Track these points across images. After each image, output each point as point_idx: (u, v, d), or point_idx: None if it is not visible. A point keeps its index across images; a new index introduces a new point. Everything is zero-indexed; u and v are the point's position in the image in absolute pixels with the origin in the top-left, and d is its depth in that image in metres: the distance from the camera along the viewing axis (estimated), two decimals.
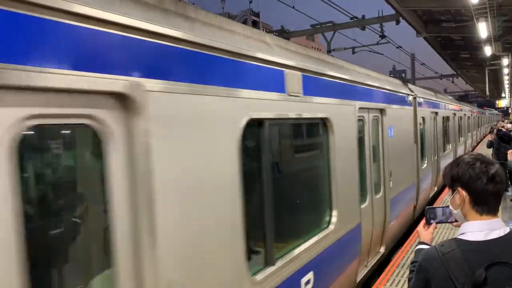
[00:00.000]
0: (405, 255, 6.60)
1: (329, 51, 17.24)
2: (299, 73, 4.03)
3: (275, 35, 20.98)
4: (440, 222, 2.29)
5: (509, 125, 12.91)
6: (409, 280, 2.07)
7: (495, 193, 1.83)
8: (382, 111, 6.77)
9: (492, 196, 1.83)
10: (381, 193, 6.72)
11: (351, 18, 14.62)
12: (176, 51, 2.54)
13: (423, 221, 2.35)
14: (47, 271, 2.16)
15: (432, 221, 2.30)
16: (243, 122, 3.12)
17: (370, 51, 18.62)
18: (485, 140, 19.74)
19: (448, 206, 2.14)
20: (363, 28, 15.21)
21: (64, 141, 2.17)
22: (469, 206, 1.88)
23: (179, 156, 2.51)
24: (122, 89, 2.14)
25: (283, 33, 18.23)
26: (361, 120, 5.89)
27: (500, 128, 12.59)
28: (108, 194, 2.15)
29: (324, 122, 4.67)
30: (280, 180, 3.93)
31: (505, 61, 18.81)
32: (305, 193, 4.61)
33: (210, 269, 2.75)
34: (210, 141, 2.79)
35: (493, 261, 1.72)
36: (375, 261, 6.27)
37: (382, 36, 15.61)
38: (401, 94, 8.17)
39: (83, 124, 2.06)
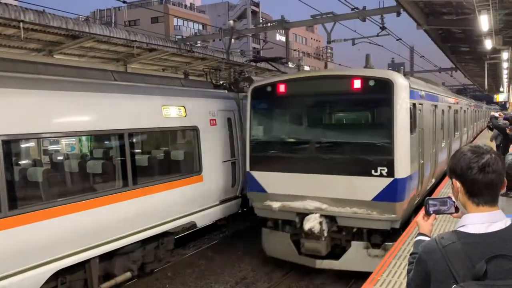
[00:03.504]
0: (402, 246, 6.62)
1: (329, 42, 17.13)
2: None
3: (274, 24, 20.70)
4: (440, 213, 2.26)
5: (503, 121, 12.82)
6: (408, 272, 2.06)
7: (487, 183, 1.80)
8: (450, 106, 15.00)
9: (484, 186, 1.81)
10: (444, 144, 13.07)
11: (352, 9, 14.49)
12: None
13: (422, 212, 2.33)
14: None
15: (431, 212, 2.27)
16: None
17: (370, 43, 18.52)
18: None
19: (448, 197, 2.13)
20: (363, 20, 15.08)
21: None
22: (465, 197, 1.87)
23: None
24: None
25: (283, 23, 18.07)
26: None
27: (495, 116, 13.00)
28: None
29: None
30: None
31: (505, 55, 18.73)
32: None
33: None
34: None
35: (494, 254, 1.70)
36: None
37: (383, 28, 15.49)
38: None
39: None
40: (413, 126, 8.15)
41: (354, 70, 9.06)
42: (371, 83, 7.85)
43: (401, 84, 7.77)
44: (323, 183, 8.01)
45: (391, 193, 7.51)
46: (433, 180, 10.83)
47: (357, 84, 7.90)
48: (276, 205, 8.36)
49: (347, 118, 9.49)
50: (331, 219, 7.98)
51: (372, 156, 7.74)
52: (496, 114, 14.04)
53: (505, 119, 13.09)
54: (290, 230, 8.54)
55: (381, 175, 7.56)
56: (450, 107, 14.00)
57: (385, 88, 7.71)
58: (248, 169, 8.87)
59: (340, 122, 9.45)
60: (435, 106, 10.94)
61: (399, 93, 7.64)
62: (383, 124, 8.12)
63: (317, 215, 7.90)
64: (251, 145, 8.90)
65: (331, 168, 7.97)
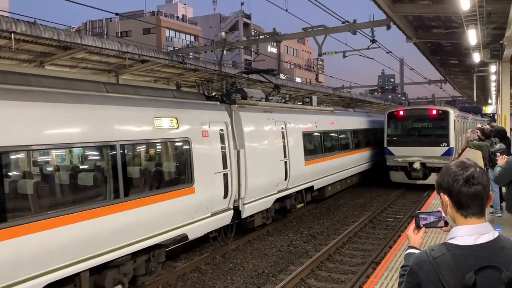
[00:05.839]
0: (394, 258, 6.64)
1: (320, 55, 17.30)
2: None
3: (266, 37, 20.89)
4: (430, 226, 2.29)
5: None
6: (399, 284, 2.08)
7: (472, 195, 1.86)
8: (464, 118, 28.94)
9: (470, 198, 1.86)
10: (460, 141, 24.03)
11: (343, 22, 14.68)
12: None
13: (412, 225, 2.36)
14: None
15: (422, 225, 2.30)
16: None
17: (360, 55, 18.75)
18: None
19: (438, 211, 2.16)
20: (354, 33, 15.29)
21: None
22: (453, 210, 1.92)
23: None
24: None
25: (275, 36, 18.23)
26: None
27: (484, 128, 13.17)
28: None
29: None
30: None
31: (492, 68, 19.08)
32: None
33: None
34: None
35: (482, 265, 1.74)
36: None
37: (373, 41, 15.71)
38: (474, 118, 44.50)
39: None
40: (455, 128, 20.24)
41: (433, 106, 22.98)
42: (440, 111, 20.41)
43: (452, 112, 20.30)
44: (421, 149, 19.74)
45: (448, 152, 19.34)
46: (459, 152, 23.23)
47: (434, 112, 20.41)
48: (400, 159, 20.18)
49: (430, 124, 20.78)
50: (423, 164, 19.58)
51: (441, 139, 19.67)
52: (484, 128, 14.17)
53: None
54: (402, 170, 20.21)
55: (444, 146, 19.48)
56: (462, 119, 26.04)
57: (446, 114, 20.18)
58: (385, 145, 20.70)
59: (428, 126, 20.86)
60: (458, 120, 22.75)
61: (451, 116, 20.01)
62: (445, 127, 19.93)
63: (418, 162, 19.54)
64: (387, 137, 20.74)
65: (424, 143, 19.84)
